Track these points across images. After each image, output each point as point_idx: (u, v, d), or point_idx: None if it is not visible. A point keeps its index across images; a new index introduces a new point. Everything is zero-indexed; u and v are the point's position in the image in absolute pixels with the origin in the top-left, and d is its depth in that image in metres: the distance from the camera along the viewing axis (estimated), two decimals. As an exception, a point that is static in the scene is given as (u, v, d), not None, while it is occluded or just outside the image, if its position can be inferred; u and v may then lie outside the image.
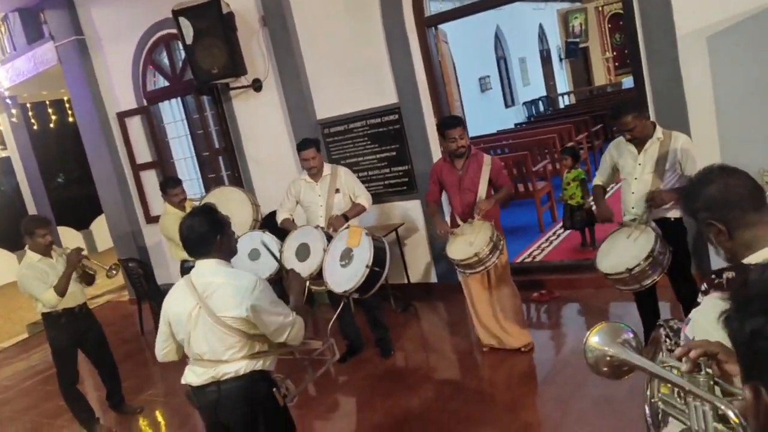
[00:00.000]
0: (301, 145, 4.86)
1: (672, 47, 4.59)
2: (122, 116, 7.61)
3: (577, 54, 18.75)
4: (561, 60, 18.69)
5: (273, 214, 5.95)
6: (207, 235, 2.62)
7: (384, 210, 6.17)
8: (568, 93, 18.02)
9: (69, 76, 7.74)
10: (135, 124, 7.65)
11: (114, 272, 4.59)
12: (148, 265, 7.07)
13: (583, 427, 3.53)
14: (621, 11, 17.98)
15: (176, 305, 2.64)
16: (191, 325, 2.59)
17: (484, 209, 4.24)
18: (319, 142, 5.16)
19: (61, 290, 4.24)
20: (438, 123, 4.45)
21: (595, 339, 1.15)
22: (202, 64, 6.13)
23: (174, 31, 6.65)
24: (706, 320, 1.59)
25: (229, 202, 5.08)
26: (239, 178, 6.90)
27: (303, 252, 4.45)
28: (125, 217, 7.86)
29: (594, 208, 6.10)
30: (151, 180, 7.77)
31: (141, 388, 5.39)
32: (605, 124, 10.10)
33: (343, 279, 4.03)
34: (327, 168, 4.95)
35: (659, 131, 3.78)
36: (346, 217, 4.75)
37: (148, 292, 6.64)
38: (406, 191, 6.02)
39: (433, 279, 6.15)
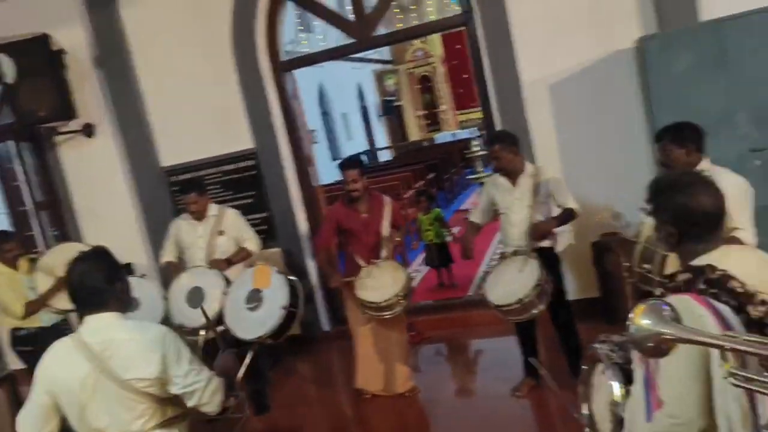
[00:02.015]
0: (181, 191, 4.61)
1: (518, 94, 4.98)
2: None
3: (392, 111, 19.86)
4: (379, 117, 19.64)
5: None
6: (104, 284, 2.19)
7: (243, 260, 5.82)
8: (387, 147, 18.88)
9: None
10: (-74, 177, 6.47)
11: None
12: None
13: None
14: (428, 73, 19.91)
15: (63, 371, 2.15)
16: (87, 395, 2.12)
17: (397, 243, 4.20)
18: (204, 185, 4.80)
19: None
20: (340, 164, 4.34)
21: (644, 321, 1.12)
22: (25, 105, 5.40)
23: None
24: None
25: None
26: (67, 235, 6.09)
27: (196, 297, 4.00)
28: None
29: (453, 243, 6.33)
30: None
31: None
32: (437, 172, 10.72)
33: (254, 324, 3.67)
34: (213, 209, 4.60)
35: (529, 167, 4.01)
36: (229, 262, 4.41)
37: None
38: (265, 239, 5.73)
39: (296, 330, 5.87)
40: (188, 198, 4.48)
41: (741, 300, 1.71)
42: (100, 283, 2.18)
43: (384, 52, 20.33)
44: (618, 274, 4.73)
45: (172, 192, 5.88)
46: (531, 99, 4.96)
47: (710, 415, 1.61)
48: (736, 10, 4.15)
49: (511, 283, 3.77)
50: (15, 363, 4.84)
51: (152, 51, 5.73)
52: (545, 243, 3.97)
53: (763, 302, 1.74)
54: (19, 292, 4.34)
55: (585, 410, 2.34)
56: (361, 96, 18.69)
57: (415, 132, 20.35)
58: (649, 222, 2.78)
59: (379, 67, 19.94)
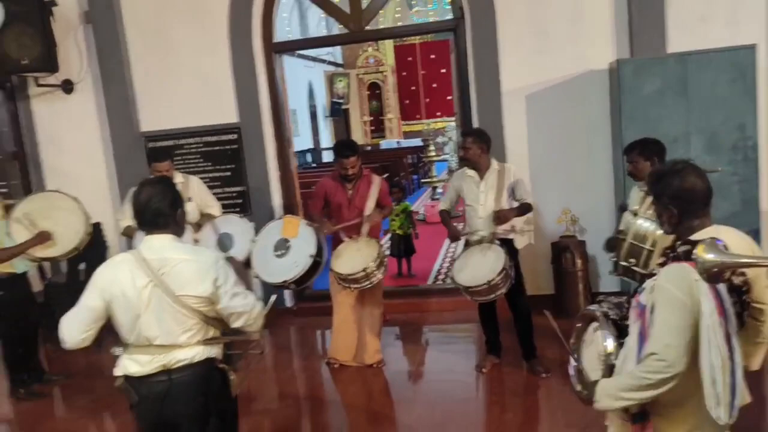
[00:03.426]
0: (155, 158, 4.60)
1: (498, 100, 5.39)
2: None
3: (340, 113, 20.09)
4: (326, 117, 19.82)
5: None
6: (168, 208, 2.39)
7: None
8: (332, 148, 19.01)
9: None
10: None
11: None
12: None
13: None
14: (378, 81, 20.31)
15: (122, 282, 2.31)
16: (142, 306, 2.30)
17: (374, 220, 4.42)
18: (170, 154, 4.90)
19: None
20: (335, 147, 4.57)
21: (709, 256, 1.43)
22: (9, 52, 5.31)
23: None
24: (671, 283, 2.02)
25: (57, 210, 4.35)
26: (28, 189, 5.98)
27: (224, 242, 4.20)
28: None
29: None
30: None
31: None
32: (390, 174, 11.10)
33: (281, 269, 3.86)
34: (178, 176, 4.70)
35: (495, 163, 4.37)
36: (198, 226, 4.54)
37: None
38: (239, 212, 5.85)
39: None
40: (161, 165, 4.53)
41: (727, 269, 2.10)
42: (165, 207, 2.39)
43: (336, 55, 20.58)
44: (572, 273, 5.21)
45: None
46: (508, 106, 5.37)
47: (690, 362, 1.99)
48: (698, 47, 4.73)
49: (478, 267, 4.10)
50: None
51: (143, 12, 5.76)
52: (508, 236, 4.33)
53: (742, 273, 2.15)
54: (-7, 235, 4.27)
55: (575, 362, 2.71)
56: (311, 95, 18.82)
57: (359, 136, 20.61)
58: (636, 222, 3.20)
59: (330, 68, 20.17)
